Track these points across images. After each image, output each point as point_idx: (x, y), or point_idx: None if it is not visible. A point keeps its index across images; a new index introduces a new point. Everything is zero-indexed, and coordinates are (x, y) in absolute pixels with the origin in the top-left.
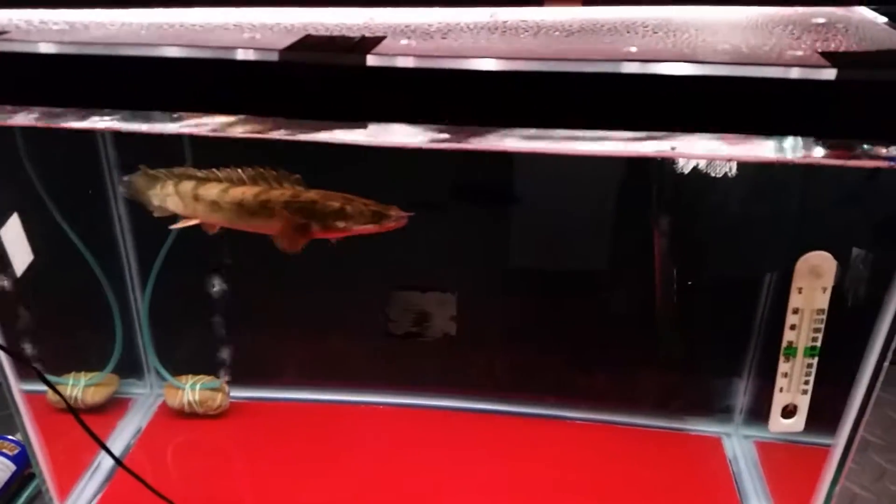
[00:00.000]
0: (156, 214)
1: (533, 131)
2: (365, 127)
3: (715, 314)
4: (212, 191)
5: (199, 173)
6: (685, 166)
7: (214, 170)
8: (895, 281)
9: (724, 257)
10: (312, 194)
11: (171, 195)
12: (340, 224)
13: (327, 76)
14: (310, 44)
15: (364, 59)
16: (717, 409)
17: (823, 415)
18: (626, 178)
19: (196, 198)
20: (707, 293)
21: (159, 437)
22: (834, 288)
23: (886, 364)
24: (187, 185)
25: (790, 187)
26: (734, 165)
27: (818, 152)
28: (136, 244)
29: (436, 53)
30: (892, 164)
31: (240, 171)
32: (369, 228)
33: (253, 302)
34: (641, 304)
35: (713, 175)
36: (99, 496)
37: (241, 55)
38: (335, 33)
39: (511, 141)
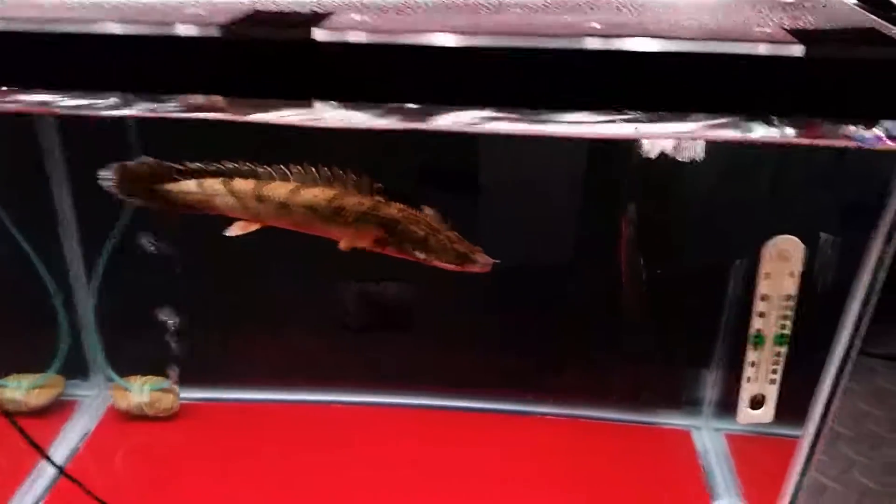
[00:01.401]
0: (149, 208)
1: (490, 111)
2: (311, 106)
3: (683, 304)
4: (279, 191)
5: (242, 168)
6: (651, 151)
7: (266, 166)
8: (864, 266)
9: (691, 245)
10: (394, 211)
11: (220, 194)
12: (419, 254)
13: (271, 52)
14: (254, 19)
15: (310, 34)
16: (686, 401)
17: (795, 406)
18: (591, 167)
19: (260, 198)
20: (674, 282)
21: (107, 441)
22: (803, 274)
23: (855, 353)
24: (246, 184)
25: (759, 171)
26: (701, 149)
27: (786, 132)
28: (80, 238)
29: (388, 28)
30: (860, 144)
31: (314, 170)
32: (448, 267)
33: (203, 298)
34: (608, 295)
35: (680, 160)
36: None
37: (180, 30)
38: (285, 10)
39: (467, 121)
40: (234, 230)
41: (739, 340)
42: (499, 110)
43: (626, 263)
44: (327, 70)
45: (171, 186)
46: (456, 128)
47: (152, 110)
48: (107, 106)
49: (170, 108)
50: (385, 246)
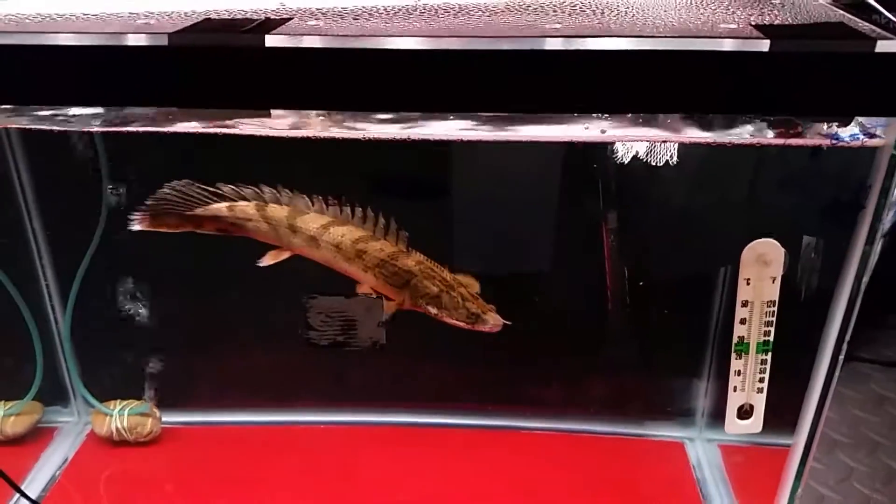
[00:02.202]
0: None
1: (453, 117)
2: (268, 115)
3: (671, 313)
4: (311, 224)
5: (284, 196)
6: (626, 156)
7: (305, 196)
8: (847, 269)
9: (676, 252)
10: (412, 263)
11: (254, 220)
12: (431, 309)
13: (222, 60)
14: (205, 26)
15: (263, 40)
16: (678, 413)
17: (788, 414)
18: (568, 172)
19: (292, 228)
20: (661, 291)
21: (87, 468)
22: (784, 278)
23: (842, 357)
24: (280, 211)
25: (740, 173)
26: (675, 152)
27: (760, 132)
28: (53, 262)
29: (343, 33)
30: (833, 141)
31: (347, 210)
32: (459, 325)
33: (181, 322)
34: (594, 305)
35: (657, 164)
36: None
37: (131, 40)
38: (238, 17)
39: (431, 127)
40: (266, 260)
41: (730, 348)
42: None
43: (610, 272)
44: (282, 77)
45: (202, 211)
46: (417, 135)
47: (108, 123)
48: (63, 119)
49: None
50: (401, 297)
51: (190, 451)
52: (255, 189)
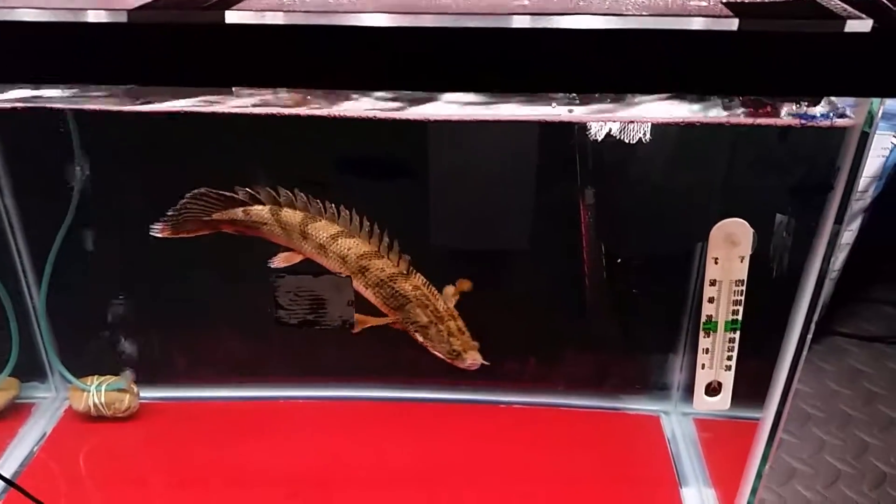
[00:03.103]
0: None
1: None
2: (231, 93)
3: (647, 288)
4: (321, 232)
5: (295, 199)
6: (599, 133)
7: (318, 201)
8: (815, 248)
9: (653, 228)
10: (409, 288)
11: (268, 223)
12: (417, 336)
13: (182, 37)
14: (166, 3)
15: (223, 16)
16: (654, 386)
17: (761, 388)
18: (545, 152)
19: (304, 234)
20: (638, 267)
21: (65, 444)
22: (755, 255)
23: (810, 336)
24: (293, 216)
25: (711, 152)
26: (647, 130)
27: (730, 111)
28: (26, 237)
29: (306, 9)
30: (803, 121)
31: (357, 221)
32: (438, 356)
33: (158, 296)
34: (570, 280)
35: (630, 142)
36: None
37: (90, 17)
38: None
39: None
40: (277, 262)
41: None
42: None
43: (587, 248)
44: (243, 54)
45: (219, 215)
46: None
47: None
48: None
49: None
50: (395, 317)
51: (168, 427)
52: (271, 191)
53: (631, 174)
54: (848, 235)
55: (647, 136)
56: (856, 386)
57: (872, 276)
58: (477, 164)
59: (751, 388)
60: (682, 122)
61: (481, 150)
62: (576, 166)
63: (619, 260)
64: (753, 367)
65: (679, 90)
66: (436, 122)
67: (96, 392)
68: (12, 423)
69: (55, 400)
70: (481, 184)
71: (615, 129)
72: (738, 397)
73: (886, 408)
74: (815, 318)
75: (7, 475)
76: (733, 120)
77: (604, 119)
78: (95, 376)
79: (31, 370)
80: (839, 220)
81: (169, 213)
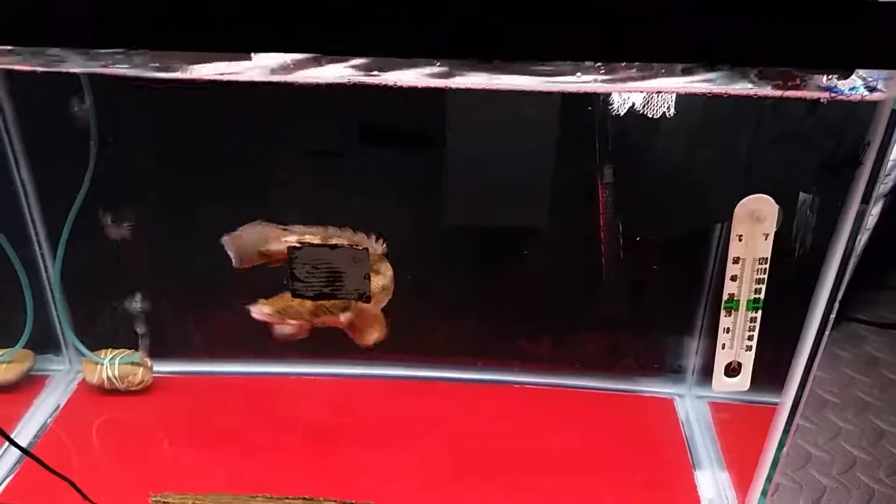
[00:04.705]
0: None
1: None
2: (249, 59)
3: (664, 269)
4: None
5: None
6: (622, 107)
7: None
8: (841, 227)
9: (673, 207)
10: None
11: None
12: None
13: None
14: None
15: None
16: (669, 369)
17: (778, 373)
18: (566, 125)
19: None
20: (656, 247)
21: (78, 415)
22: (778, 234)
23: (832, 317)
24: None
25: (737, 127)
26: (671, 104)
27: (758, 83)
28: (42, 211)
29: None
30: (832, 94)
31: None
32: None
33: (173, 272)
34: (587, 260)
35: (653, 116)
36: (7, 481)
37: None
38: None
39: (414, 75)
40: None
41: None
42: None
43: (604, 227)
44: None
45: (275, 246)
46: (409, 82)
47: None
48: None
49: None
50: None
51: (181, 401)
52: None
53: (653, 150)
54: (870, 220)
55: (671, 110)
56: (873, 373)
57: (892, 264)
58: (495, 138)
59: (767, 372)
60: (708, 94)
61: (500, 125)
62: (595, 143)
63: (637, 239)
64: (770, 350)
65: (706, 61)
66: (455, 91)
67: (110, 365)
68: (27, 395)
69: (69, 372)
70: (498, 159)
71: (638, 103)
72: (754, 381)
73: None
74: (839, 299)
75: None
76: (761, 92)
77: (629, 89)
78: (109, 349)
79: (45, 343)
80: (866, 200)
81: (226, 239)
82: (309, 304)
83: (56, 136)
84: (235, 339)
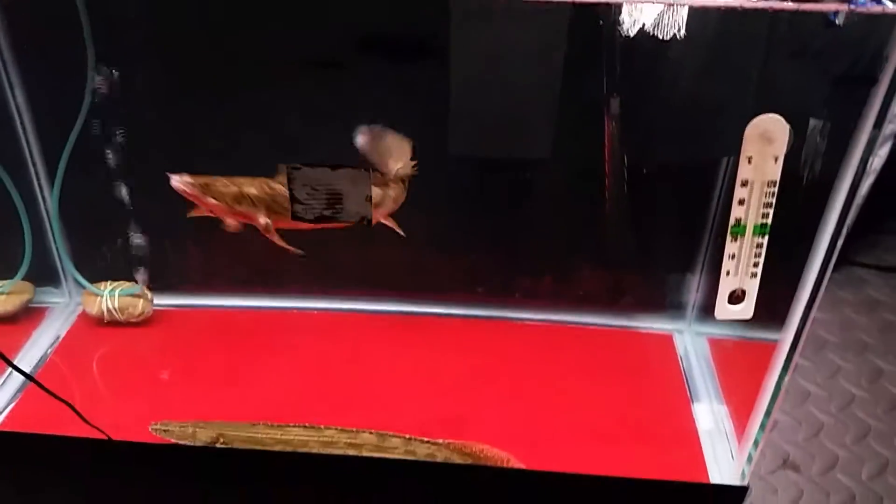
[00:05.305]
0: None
1: None
2: None
3: (667, 204)
4: None
5: None
6: (631, 29)
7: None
8: (852, 153)
9: (680, 136)
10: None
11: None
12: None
13: None
14: None
15: None
16: (669, 305)
17: (779, 310)
18: (568, 47)
19: None
20: (660, 180)
21: (78, 346)
22: (787, 158)
23: (838, 247)
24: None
25: (749, 44)
26: (683, 24)
27: None
28: (39, 140)
29: None
30: (851, 7)
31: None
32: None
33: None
34: (588, 194)
35: (664, 38)
36: (9, 408)
37: None
38: None
39: None
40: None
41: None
42: None
43: (609, 160)
44: None
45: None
46: None
47: None
48: None
49: None
50: None
51: (182, 333)
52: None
53: (661, 77)
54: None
55: (682, 31)
56: (873, 315)
57: (894, 208)
58: (499, 64)
59: (765, 308)
60: (722, 8)
61: (505, 51)
62: (603, 70)
63: (644, 171)
64: (769, 285)
65: None
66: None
67: (110, 297)
68: (26, 326)
69: (69, 304)
70: (501, 86)
71: (649, 24)
72: (753, 317)
73: None
74: (845, 232)
75: (21, 378)
76: (776, 6)
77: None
78: (109, 282)
79: (45, 275)
80: (878, 125)
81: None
82: (233, 188)
83: (54, 61)
84: (236, 273)
